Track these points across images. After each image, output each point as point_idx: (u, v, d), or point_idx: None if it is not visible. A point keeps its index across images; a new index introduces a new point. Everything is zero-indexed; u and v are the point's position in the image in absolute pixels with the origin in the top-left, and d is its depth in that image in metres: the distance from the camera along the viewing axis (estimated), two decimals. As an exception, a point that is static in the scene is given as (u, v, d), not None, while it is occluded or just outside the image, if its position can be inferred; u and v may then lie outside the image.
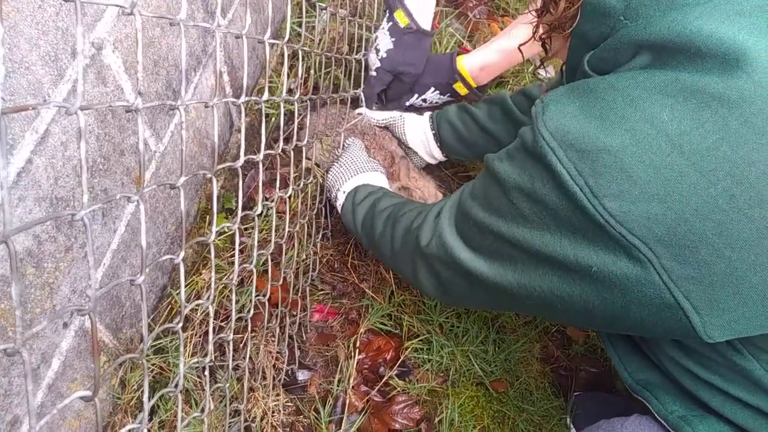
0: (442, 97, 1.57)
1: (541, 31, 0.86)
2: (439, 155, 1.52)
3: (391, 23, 1.47)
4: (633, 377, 0.86)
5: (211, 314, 0.85)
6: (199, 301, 0.83)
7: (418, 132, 1.51)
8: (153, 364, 1.19)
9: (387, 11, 1.48)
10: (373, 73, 1.51)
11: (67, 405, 0.99)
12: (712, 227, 0.59)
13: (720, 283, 0.60)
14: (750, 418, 0.72)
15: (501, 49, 1.47)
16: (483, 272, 0.81)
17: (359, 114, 1.52)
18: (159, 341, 1.21)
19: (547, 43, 0.88)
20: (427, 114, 1.51)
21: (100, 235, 0.97)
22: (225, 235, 1.36)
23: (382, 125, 1.52)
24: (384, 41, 1.48)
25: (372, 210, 1.18)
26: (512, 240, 0.73)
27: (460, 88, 1.53)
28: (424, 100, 1.58)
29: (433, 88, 1.55)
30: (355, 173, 1.32)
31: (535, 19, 0.85)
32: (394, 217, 1.10)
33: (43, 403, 0.92)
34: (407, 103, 1.58)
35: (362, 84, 1.54)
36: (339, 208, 1.30)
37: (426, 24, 1.47)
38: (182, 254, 0.70)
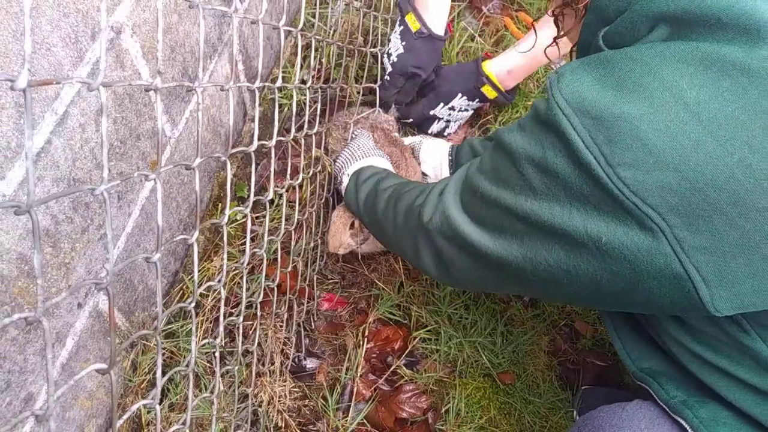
0: (470, 102, 1.57)
1: (554, 5, 0.85)
2: None
3: (402, 27, 1.48)
4: (637, 365, 0.85)
5: (223, 295, 0.86)
6: (211, 283, 0.84)
7: (434, 156, 1.48)
8: (164, 348, 1.20)
9: (399, 15, 1.49)
10: (387, 78, 1.52)
11: (80, 385, 1.00)
12: (726, 197, 0.58)
13: (731, 254, 0.60)
14: (755, 403, 0.71)
15: (527, 53, 1.47)
16: (488, 247, 0.79)
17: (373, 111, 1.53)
18: (170, 325, 1.22)
19: (559, 20, 0.87)
20: (450, 143, 1.50)
21: (115, 218, 0.98)
22: (237, 223, 1.37)
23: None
24: (395, 45, 1.49)
25: (375, 189, 1.17)
26: (520, 213, 0.72)
27: (489, 92, 1.53)
28: (452, 108, 1.57)
29: (460, 95, 1.55)
30: (361, 158, 1.32)
31: None
32: (396, 195, 1.08)
33: (57, 383, 0.93)
34: (431, 113, 1.58)
35: (377, 79, 1.54)
36: (343, 190, 1.30)
37: (438, 28, 1.47)
38: (196, 234, 0.71)
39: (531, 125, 0.71)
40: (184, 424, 0.75)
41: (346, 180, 1.29)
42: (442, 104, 1.56)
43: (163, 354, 1.20)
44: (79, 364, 0.98)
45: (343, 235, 1.31)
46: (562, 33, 0.88)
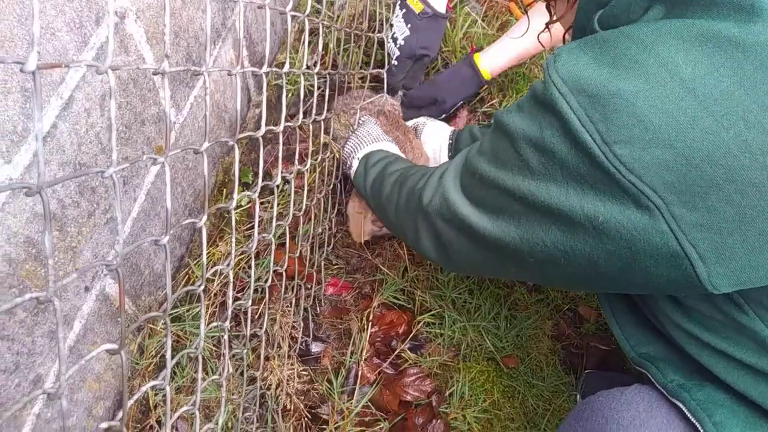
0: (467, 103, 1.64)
1: None
2: None
3: (404, 10, 1.48)
4: (635, 351, 0.85)
5: (231, 278, 0.86)
6: (219, 267, 0.85)
7: (435, 139, 1.50)
8: (171, 332, 1.21)
9: None
10: (395, 62, 1.53)
11: (88, 367, 1.02)
12: (722, 173, 0.57)
13: (728, 230, 0.59)
14: (753, 383, 0.71)
15: (519, 52, 1.51)
16: (486, 228, 0.79)
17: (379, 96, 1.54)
18: (176, 310, 1.23)
19: (552, 5, 0.86)
20: (453, 128, 1.52)
21: (121, 202, 0.98)
22: (242, 208, 1.37)
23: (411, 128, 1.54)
24: (401, 29, 1.50)
25: (383, 172, 1.18)
26: (517, 193, 0.72)
27: (484, 90, 1.61)
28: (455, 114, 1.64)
29: (462, 101, 1.61)
30: (370, 143, 1.33)
31: None
32: (401, 179, 1.09)
33: (67, 363, 0.94)
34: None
35: (384, 63, 1.55)
36: (352, 175, 1.31)
37: (440, 6, 1.48)
38: (204, 218, 0.72)
39: (529, 106, 0.71)
40: (193, 405, 0.76)
41: (355, 164, 1.30)
42: (445, 115, 1.61)
43: (171, 337, 1.21)
44: (86, 346, 0.99)
45: (365, 223, 1.32)
46: (554, 18, 0.88)
